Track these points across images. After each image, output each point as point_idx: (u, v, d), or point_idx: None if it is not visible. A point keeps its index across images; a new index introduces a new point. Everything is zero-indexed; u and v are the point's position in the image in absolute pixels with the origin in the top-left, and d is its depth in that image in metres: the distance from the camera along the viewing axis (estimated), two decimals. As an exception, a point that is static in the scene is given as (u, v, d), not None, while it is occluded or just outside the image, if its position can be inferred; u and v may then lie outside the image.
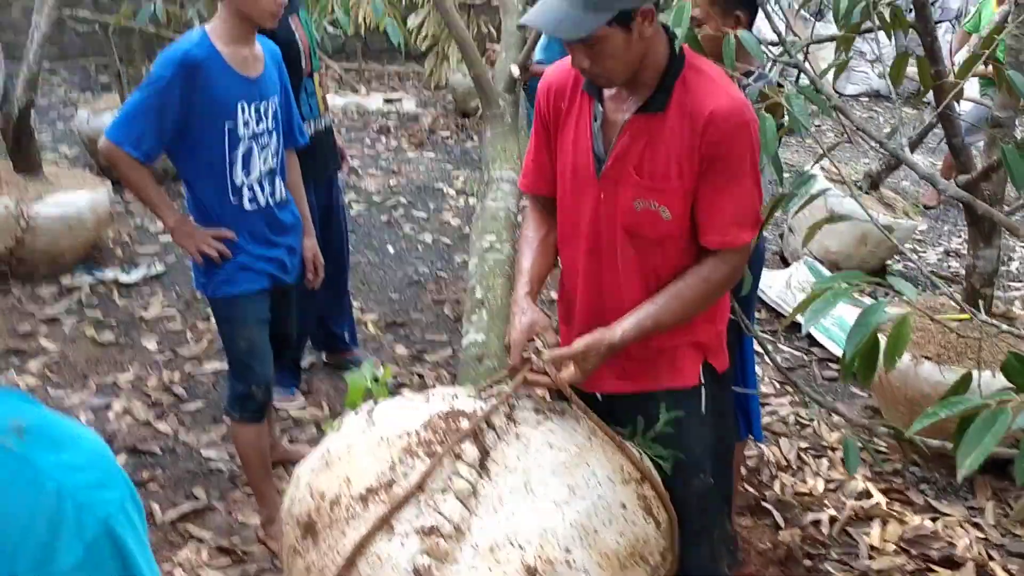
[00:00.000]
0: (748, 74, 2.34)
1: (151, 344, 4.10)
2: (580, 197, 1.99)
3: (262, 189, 2.69)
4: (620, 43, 1.76)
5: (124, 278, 4.67)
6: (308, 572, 1.69)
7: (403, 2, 6.53)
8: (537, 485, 1.68)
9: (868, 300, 1.73)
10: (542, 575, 1.56)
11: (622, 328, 1.88)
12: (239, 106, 2.57)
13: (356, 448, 1.74)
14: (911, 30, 2.73)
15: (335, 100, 8.21)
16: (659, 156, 1.86)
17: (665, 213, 1.88)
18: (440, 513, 1.60)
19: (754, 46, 2.17)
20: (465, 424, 1.73)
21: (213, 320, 3.15)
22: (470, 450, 1.69)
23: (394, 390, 3.48)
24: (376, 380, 2.11)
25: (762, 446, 3.41)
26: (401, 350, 4.14)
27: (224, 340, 2.82)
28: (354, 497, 1.65)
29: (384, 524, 1.59)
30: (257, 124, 2.63)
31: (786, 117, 2.10)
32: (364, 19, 7.64)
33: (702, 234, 1.91)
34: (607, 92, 1.93)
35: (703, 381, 2.03)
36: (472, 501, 1.63)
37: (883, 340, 1.66)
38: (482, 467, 1.69)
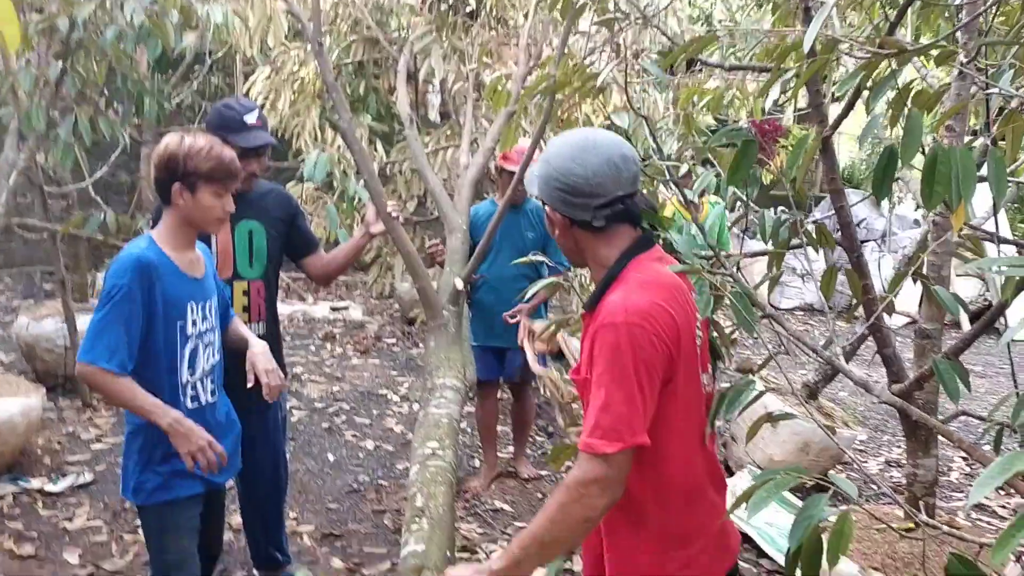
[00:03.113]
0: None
1: (73, 558, 3.88)
2: None
3: (203, 388, 2.67)
4: (560, 226, 1.91)
5: (50, 487, 4.49)
6: None
7: (355, 219, 6.72)
8: None
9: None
10: None
11: (496, 555, 1.83)
12: (189, 305, 2.59)
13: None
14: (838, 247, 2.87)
15: (281, 308, 8.25)
16: (584, 353, 1.84)
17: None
18: None
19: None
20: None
21: (141, 532, 2.99)
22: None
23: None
24: (305, 597, 2.01)
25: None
26: (337, 563, 3.96)
27: (152, 551, 2.67)
28: None
29: None
30: (203, 322, 2.65)
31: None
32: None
33: None
34: None
35: None
36: None
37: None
38: None
